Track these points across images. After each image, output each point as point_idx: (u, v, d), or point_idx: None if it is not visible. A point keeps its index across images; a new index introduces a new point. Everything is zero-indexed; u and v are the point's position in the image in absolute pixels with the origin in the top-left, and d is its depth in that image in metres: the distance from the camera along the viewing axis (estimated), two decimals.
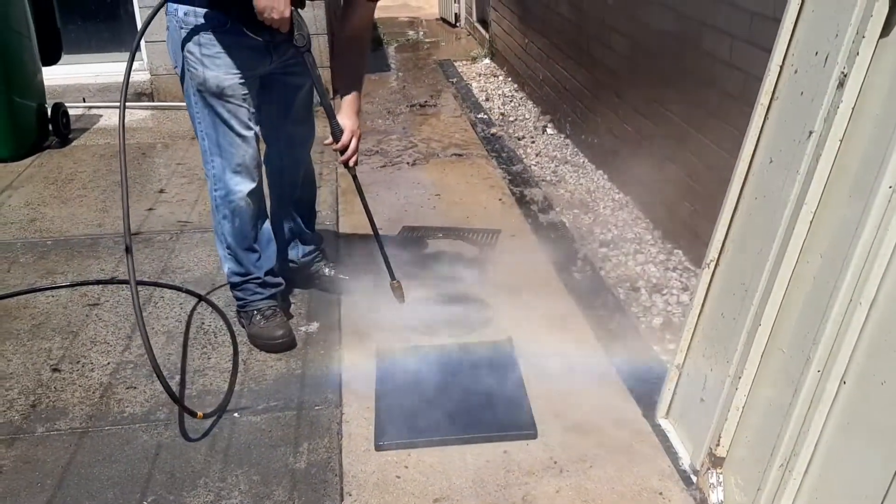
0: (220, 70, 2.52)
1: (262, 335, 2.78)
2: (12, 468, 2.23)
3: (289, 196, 2.99)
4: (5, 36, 4.55)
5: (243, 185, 2.66)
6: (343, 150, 2.70)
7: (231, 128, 2.59)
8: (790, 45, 1.90)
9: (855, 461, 1.59)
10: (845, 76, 1.67)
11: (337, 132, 2.67)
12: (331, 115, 2.65)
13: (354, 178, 2.77)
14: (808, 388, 1.68)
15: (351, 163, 2.74)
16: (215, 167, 2.65)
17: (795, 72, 1.88)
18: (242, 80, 2.56)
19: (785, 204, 1.82)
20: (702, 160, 3.13)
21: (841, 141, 1.70)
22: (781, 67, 1.93)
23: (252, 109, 2.63)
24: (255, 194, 2.71)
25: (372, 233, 2.83)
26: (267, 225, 2.84)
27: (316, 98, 2.79)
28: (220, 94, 2.54)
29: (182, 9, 2.48)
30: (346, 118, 2.70)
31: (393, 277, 2.83)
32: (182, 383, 2.60)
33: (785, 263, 1.80)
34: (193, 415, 2.33)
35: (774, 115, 1.95)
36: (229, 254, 2.77)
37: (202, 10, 2.47)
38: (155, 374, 2.25)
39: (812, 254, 1.75)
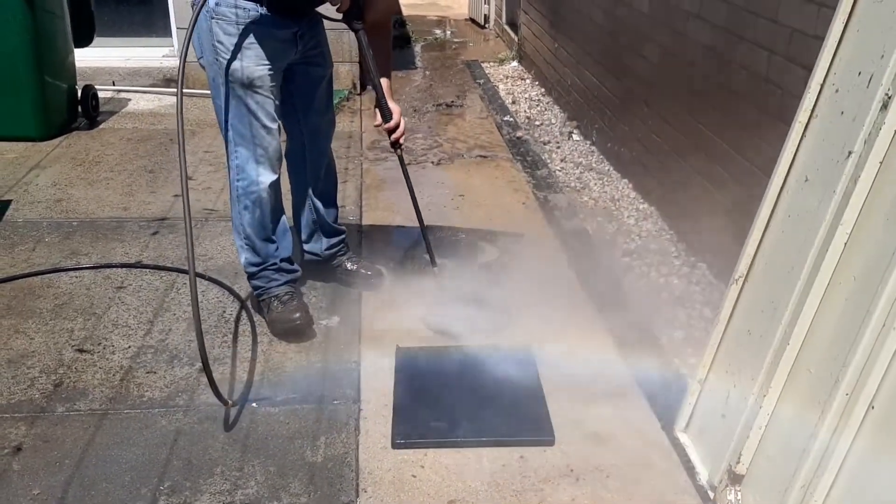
0: (251, 61, 2.54)
1: (280, 319, 2.79)
2: (32, 446, 2.24)
3: (311, 189, 3.01)
4: (40, 17, 4.58)
5: (266, 177, 2.69)
6: (393, 130, 2.81)
7: (258, 119, 2.62)
8: (832, 64, 1.89)
9: (881, 486, 1.58)
10: (889, 98, 1.65)
11: (387, 113, 2.76)
12: (381, 95, 2.74)
13: (400, 158, 2.92)
14: (835, 410, 1.67)
15: (402, 140, 2.86)
16: (239, 157, 2.67)
17: (836, 91, 1.86)
18: (272, 72, 2.59)
19: (819, 223, 1.80)
20: (731, 174, 3.11)
21: (881, 163, 1.68)
22: (822, 86, 1.91)
23: (278, 101, 2.66)
24: (276, 186, 2.75)
25: (415, 219, 2.96)
26: (283, 216, 2.87)
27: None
28: (250, 85, 2.57)
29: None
30: (390, 101, 2.79)
31: (434, 263, 2.98)
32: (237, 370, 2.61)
33: (817, 283, 1.78)
34: (226, 403, 2.33)
35: (812, 134, 1.93)
36: (247, 244, 2.78)
37: (234, 0, 2.49)
38: (201, 360, 2.23)
39: (845, 275, 1.74)
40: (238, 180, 2.70)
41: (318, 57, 2.76)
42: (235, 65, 2.53)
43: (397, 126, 2.81)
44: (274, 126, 2.67)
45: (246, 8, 2.50)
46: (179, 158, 2.23)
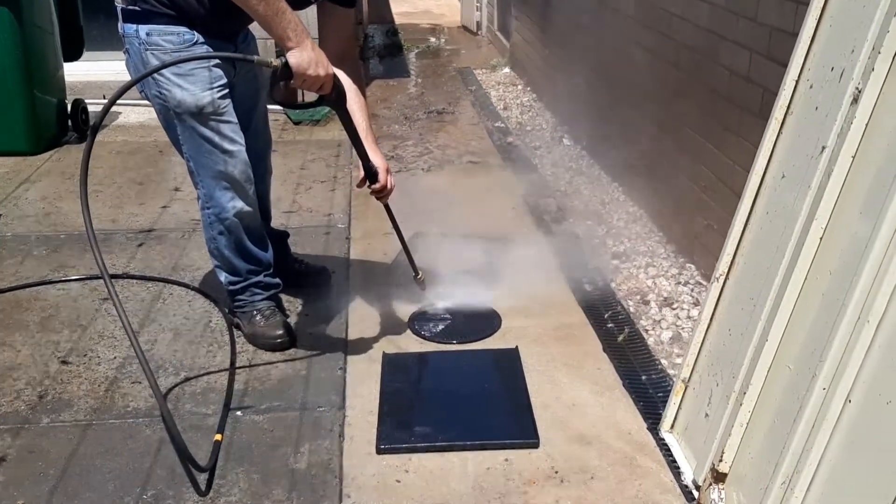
0: (196, 87, 2.42)
1: (262, 335, 2.77)
2: (17, 457, 2.24)
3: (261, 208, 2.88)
4: (29, 31, 4.59)
5: (235, 202, 2.60)
6: (380, 190, 2.61)
7: (216, 145, 2.51)
8: (806, 60, 1.90)
9: (858, 481, 1.57)
10: (860, 92, 1.66)
11: (372, 175, 2.56)
12: (365, 159, 2.53)
13: (386, 206, 2.75)
14: (812, 405, 1.66)
15: (388, 201, 2.70)
16: (205, 187, 2.58)
17: (811, 87, 1.87)
18: (221, 94, 2.47)
19: (796, 219, 1.80)
20: (716, 174, 3.11)
21: (853, 157, 1.69)
22: (797, 82, 1.92)
23: (235, 121, 2.54)
24: (250, 208, 2.65)
25: (397, 238, 2.89)
26: (262, 230, 2.80)
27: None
28: (200, 113, 2.45)
29: (144, 29, 2.37)
30: (373, 155, 2.56)
31: (416, 273, 2.93)
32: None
33: (794, 279, 1.78)
34: (201, 469, 2.13)
35: (788, 130, 1.94)
36: (223, 265, 2.74)
37: (167, 28, 2.37)
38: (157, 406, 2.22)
39: (821, 270, 1.74)
40: (207, 208, 2.62)
41: (249, 73, 2.63)
42: (181, 95, 2.41)
43: (384, 187, 2.60)
44: (235, 147, 2.54)
45: (179, 33, 2.37)
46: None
